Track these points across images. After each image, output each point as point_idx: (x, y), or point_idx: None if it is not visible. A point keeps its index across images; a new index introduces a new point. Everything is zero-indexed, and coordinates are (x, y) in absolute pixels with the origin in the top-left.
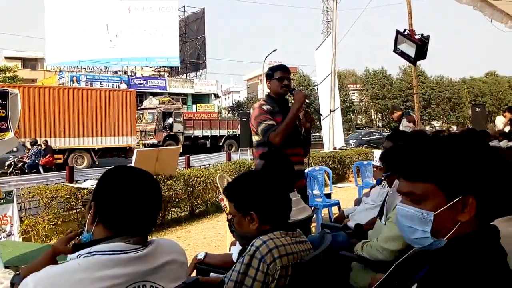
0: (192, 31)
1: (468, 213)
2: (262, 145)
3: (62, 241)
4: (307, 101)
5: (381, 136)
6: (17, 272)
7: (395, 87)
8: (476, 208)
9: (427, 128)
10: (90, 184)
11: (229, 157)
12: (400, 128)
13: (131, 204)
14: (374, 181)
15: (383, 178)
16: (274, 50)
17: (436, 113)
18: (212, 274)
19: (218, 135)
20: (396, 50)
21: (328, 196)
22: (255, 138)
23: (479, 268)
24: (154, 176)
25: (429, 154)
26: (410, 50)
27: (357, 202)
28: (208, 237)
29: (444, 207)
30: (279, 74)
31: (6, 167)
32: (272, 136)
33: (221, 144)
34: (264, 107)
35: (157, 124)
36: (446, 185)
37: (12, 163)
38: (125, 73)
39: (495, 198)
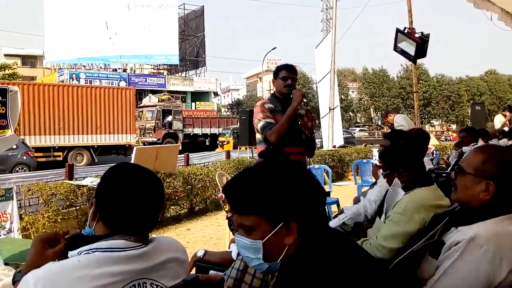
0: (191, 29)
1: (292, 236)
2: (263, 143)
3: (50, 232)
4: (304, 100)
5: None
6: (18, 270)
7: (396, 85)
8: (298, 230)
9: (426, 126)
10: (90, 181)
11: (228, 155)
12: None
13: (131, 203)
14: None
15: (383, 175)
16: (274, 48)
17: (436, 111)
18: (211, 271)
19: (217, 133)
20: (396, 48)
21: (327, 194)
22: (257, 136)
23: (304, 277)
24: None
25: (247, 188)
26: (410, 49)
27: (356, 200)
28: (208, 234)
29: (270, 235)
30: (283, 73)
31: None
32: (268, 134)
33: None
34: (266, 106)
35: (157, 122)
36: (267, 215)
37: None
38: (125, 70)
39: (314, 218)
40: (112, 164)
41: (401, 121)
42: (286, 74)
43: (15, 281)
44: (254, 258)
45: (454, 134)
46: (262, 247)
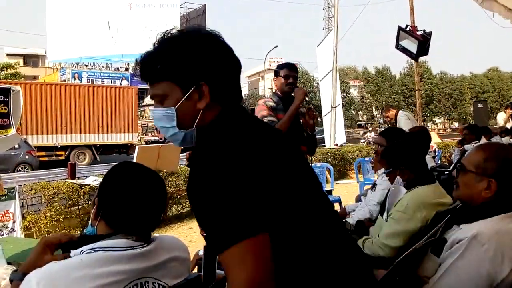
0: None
1: (204, 100)
2: None
3: (56, 236)
4: (306, 98)
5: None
6: (15, 269)
7: (398, 82)
8: (210, 94)
9: (429, 124)
10: (92, 180)
11: None
12: (398, 125)
13: (133, 203)
14: (375, 176)
15: (385, 174)
16: (275, 47)
17: (438, 109)
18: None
19: None
20: (398, 46)
21: (329, 192)
22: None
23: (222, 143)
24: None
25: (158, 54)
26: (412, 46)
27: (358, 198)
28: None
29: (182, 100)
30: (285, 72)
31: None
32: None
33: None
34: (267, 104)
35: None
36: (177, 79)
37: None
38: (127, 69)
39: (225, 82)
40: (115, 163)
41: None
42: (288, 72)
43: (12, 280)
44: (169, 127)
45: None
46: (175, 114)
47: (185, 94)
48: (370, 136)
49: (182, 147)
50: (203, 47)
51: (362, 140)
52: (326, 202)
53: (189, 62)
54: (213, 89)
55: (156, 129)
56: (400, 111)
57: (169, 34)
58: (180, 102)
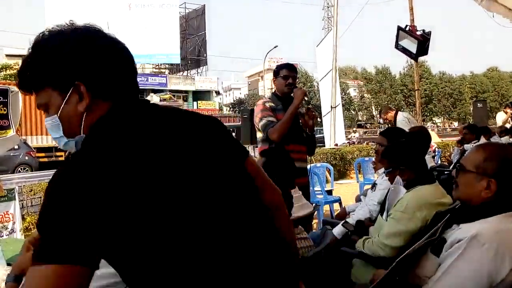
0: (192, 28)
1: (85, 101)
2: (264, 142)
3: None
4: (306, 98)
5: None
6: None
7: (398, 82)
8: (91, 93)
9: (428, 124)
10: None
11: None
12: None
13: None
14: (375, 176)
15: (384, 173)
16: (275, 47)
17: (437, 109)
18: None
19: None
20: (397, 46)
21: (329, 192)
22: (258, 135)
23: (85, 153)
24: None
25: (29, 61)
26: (412, 46)
27: (358, 198)
28: None
29: (63, 105)
30: (284, 72)
31: None
32: (270, 132)
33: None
34: (267, 104)
35: None
36: (52, 82)
37: None
38: None
39: (106, 77)
40: None
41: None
42: (287, 73)
43: (6, 282)
44: (59, 137)
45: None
46: (59, 121)
47: (64, 98)
48: (354, 136)
49: None
50: (72, 44)
51: (346, 141)
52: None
53: (57, 62)
54: (91, 87)
55: None
56: (399, 112)
57: (39, 37)
58: (61, 107)
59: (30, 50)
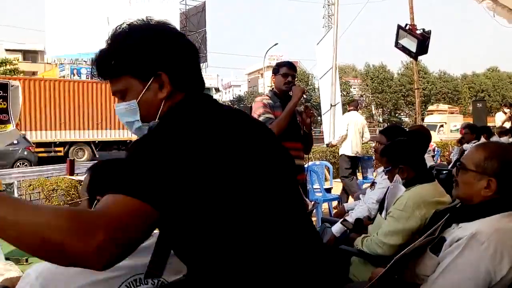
0: (193, 25)
1: (166, 90)
2: None
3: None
4: (304, 96)
5: None
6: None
7: (396, 81)
8: (171, 82)
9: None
10: None
11: None
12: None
13: None
14: (374, 174)
15: (384, 172)
16: (275, 44)
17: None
18: None
19: None
20: (397, 45)
21: (328, 190)
22: None
23: (172, 122)
24: None
25: (112, 50)
26: (412, 45)
27: (357, 197)
28: None
29: (143, 91)
30: (284, 70)
31: None
32: None
33: None
34: (265, 101)
35: None
36: (136, 71)
37: None
38: None
39: (184, 69)
40: (95, 162)
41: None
42: (287, 71)
43: None
44: (133, 121)
45: None
46: (138, 106)
47: (146, 86)
48: None
49: None
50: (155, 36)
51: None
52: (294, 208)
53: (144, 53)
54: (173, 78)
55: None
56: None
57: (120, 29)
58: (142, 94)
59: (112, 41)
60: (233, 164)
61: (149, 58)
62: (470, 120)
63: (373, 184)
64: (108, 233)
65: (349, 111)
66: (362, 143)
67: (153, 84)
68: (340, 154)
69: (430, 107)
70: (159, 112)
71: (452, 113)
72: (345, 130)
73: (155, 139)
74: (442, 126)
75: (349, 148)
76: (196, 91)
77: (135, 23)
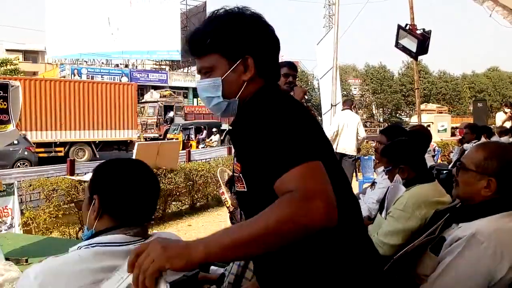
0: (193, 24)
1: (249, 73)
2: None
3: None
4: (306, 97)
5: None
6: None
7: (397, 81)
8: (255, 67)
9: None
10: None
11: (230, 151)
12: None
13: (135, 191)
14: (374, 175)
15: (384, 172)
16: None
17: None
18: (212, 267)
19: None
20: (397, 45)
21: None
22: None
23: (262, 110)
24: (154, 169)
25: (208, 29)
26: (412, 45)
27: (357, 197)
28: (209, 230)
29: (229, 71)
30: (285, 70)
31: None
32: None
33: (222, 138)
34: None
35: (158, 117)
36: (226, 52)
37: None
38: (126, 66)
39: (268, 58)
40: (99, 162)
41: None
42: (288, 71)
43: None
44: (214, 97)
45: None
46: (221, 83)
47: (232, 66)
48: None
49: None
50: (249, 23)
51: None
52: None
53: (237, 36)
54: (257, 63)
55: (156, 125)
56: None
57: (217, 13)
58: (227, 73)
59: (209, 21)
60: (320, 136)
61: (240, 41)
62: (470, 120)
63: (373, 184)
64: (320, 197)
65: (343, 110)
66: (358, 141)
67: (239, 66)
68: None
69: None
70: (240, 93)
71: (441, 112)
72: (336, 128)
73: (276, 117)
74: (428, 126)
75: (337, 145)
76: (273, 80)
77: (232, 8)
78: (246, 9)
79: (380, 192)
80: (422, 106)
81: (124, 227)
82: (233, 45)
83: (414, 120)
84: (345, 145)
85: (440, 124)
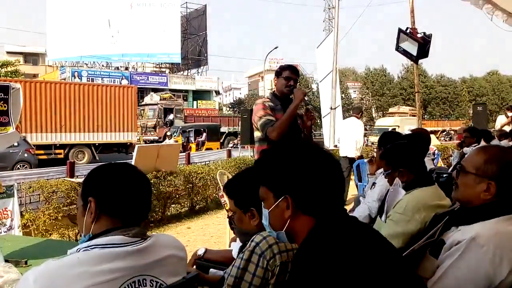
0: (193, 28)
1: (290, 211)
2: (263, 141)
3: None
4: (305, 98)
5: None
6: None
7: (396, 85)
8: (296, 206)
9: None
10: None
11: (229, 154)
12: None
13: (128, 188)
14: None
15: (383, 175)
16: (275, 48)
17: (436, 112)
18: (211, 270)
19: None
20: (398, 48)
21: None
22: (256, 134)
23: (321, 257)
24: (154, 172)
25: (263, 160)
26: (412, 49)
27: (357, 199)
28: (208, 233)
29: (273, 206)
30: (287, 73)
31: None
32: (270, 131)
33: (221, 141)
34: (266, 104)
35: (158, 120)
36: (271, 187)
37: None
38: (127, 69)
39: (314, 195)
40: (92, 168)
41: None
42: (289, 74)
43: None
44: (267, 224)
45: None
46: (268, 215)
47: (276, 201)
48: None
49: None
50: (293, 162)
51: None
52: None
53: (278, 175)
54: (299, 202)
55: (155, 128)
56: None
57: (275, 150)
58: (272, 207)
59: (270, 157)
60: None
61: (279, 181)
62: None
63: (373, 185)
64: None
65: (350, 116)
66: (360, 147)
67: (282, 203)
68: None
69: (391, 109)
70: (285, 227)
71: (414, 115)
72: (339, 135)
73: (317, 274)
74: (394, 129)
75: (342, 150)
76: (327, 214)
77: (286, 145)
78: (293, 148)
79: (380, 189)
80: (394, 109)
81: (122, 227)
82: (275, 183)
83: (381, 123)
84: (346, 149)
85: (407, 128)
